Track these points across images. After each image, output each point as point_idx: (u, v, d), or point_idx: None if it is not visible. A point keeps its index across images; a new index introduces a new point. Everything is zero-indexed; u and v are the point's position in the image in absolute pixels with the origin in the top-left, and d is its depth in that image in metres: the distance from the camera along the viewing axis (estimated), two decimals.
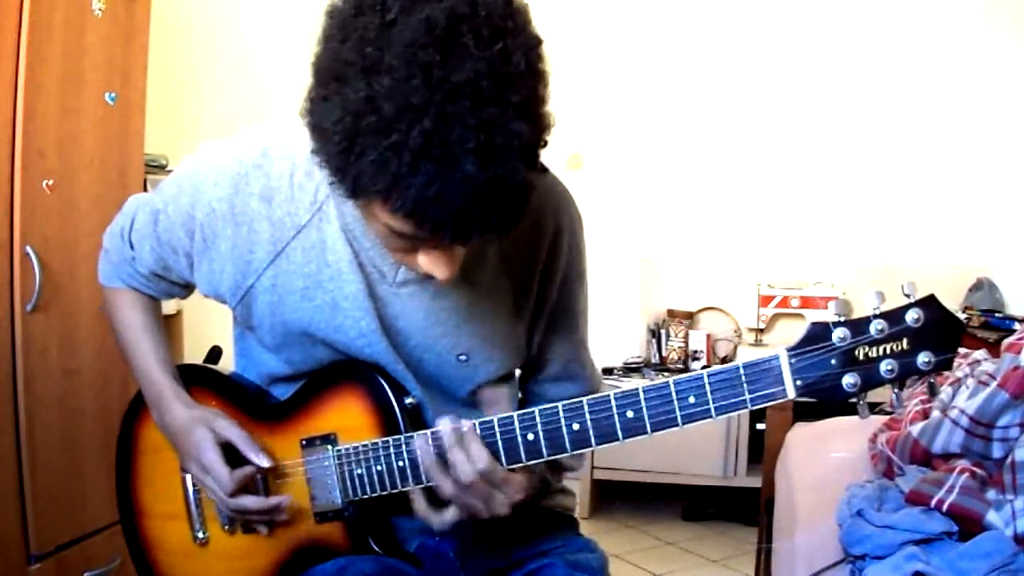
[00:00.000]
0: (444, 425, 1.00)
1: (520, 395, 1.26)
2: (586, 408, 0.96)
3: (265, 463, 1.10)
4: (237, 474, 1.10)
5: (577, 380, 1.24)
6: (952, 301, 3.40)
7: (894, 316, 0.87)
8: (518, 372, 1.24)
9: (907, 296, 0.87)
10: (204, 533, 1.21)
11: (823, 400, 0.88)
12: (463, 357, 1.12)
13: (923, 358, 0.86)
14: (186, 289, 1.24)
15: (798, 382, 0.89)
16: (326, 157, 0.85)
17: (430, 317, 1.09)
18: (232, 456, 1.12)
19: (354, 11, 0.83)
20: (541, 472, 1.11)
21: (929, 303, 0.86)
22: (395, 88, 0.78)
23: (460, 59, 0.78)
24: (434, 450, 1.01)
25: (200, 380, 1.23)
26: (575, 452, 0.98)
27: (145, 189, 2.31)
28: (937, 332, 0.86)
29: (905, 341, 0.86)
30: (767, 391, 0.89)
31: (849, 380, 0.88)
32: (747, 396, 0.90)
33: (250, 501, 1.12)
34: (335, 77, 0.82)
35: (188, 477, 1.21)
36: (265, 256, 1.08)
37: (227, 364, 1.29)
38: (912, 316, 0.86)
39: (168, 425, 1.17)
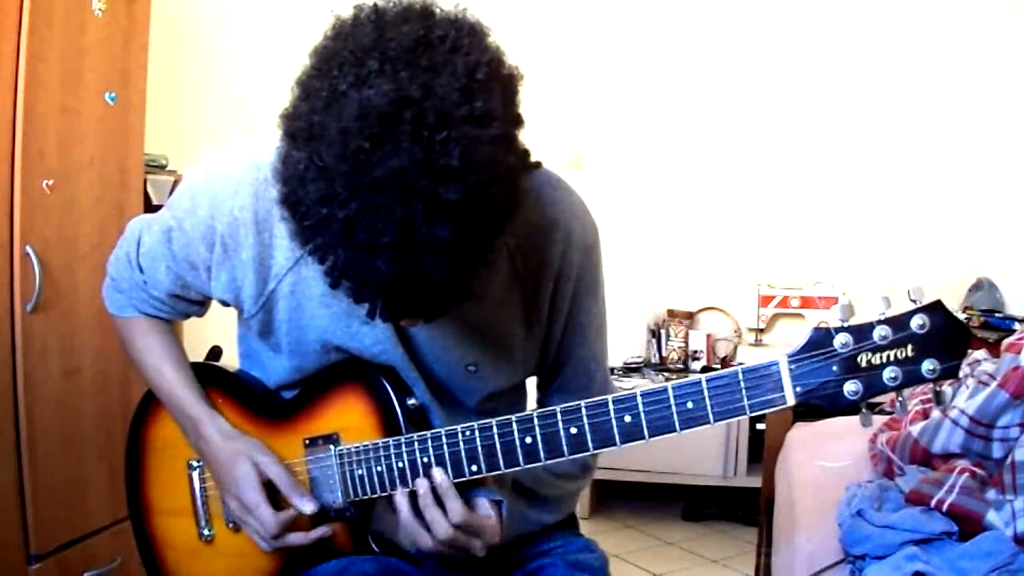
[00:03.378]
0: (421, 484, 1.02)
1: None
2: (584, 412, 0.96)
3: (309, 508, 1.09)
4: (282, 517, 1.09)
5: (584, 394, 1.23)
6: (952, 301, 3.40)
7: (899, 322, 0.85)
8: (532, 380, 1.25)
9: (913, 301, 0.85)
10: (210, 531, 1.21)
11: (824, 407, 0.87)
12: (472, 368, 1.12)
13: (928, 366, 0.84)
14: (203, 306, 1.22)
15: (798, 388, 0.87)
16: (280, 205, 0.85)
17: (440, 327, 1.09)
18: (272, 492, 1.11)
19: (315, 71, 0.82)
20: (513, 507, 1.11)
21: (935, 309, 0.84)
22: (326, 170, 0.78)
23: (391, 151, 0.76)
24: (410, 508, 1.03)
25: (207, 378, 1.22)
26: (572, 456, 0.98)
27: (145, 189, 2.31)
28: (943, 339, 0.84)
29: (910, 348, 0.84)
30: (766, 397, 0.88)
31: (851, 387, 0.86)
32: (746, 402, 0.89)
33: (294, 539, 1.10)
34: (289, 133, 0.83)
35: (195, 475, 1.21)
36: (285, 262, 1.07)
37: (227, 364, 1.29)
38: (917, 322, 0.84)
39: (205, 454, 1.16)
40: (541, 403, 1.25)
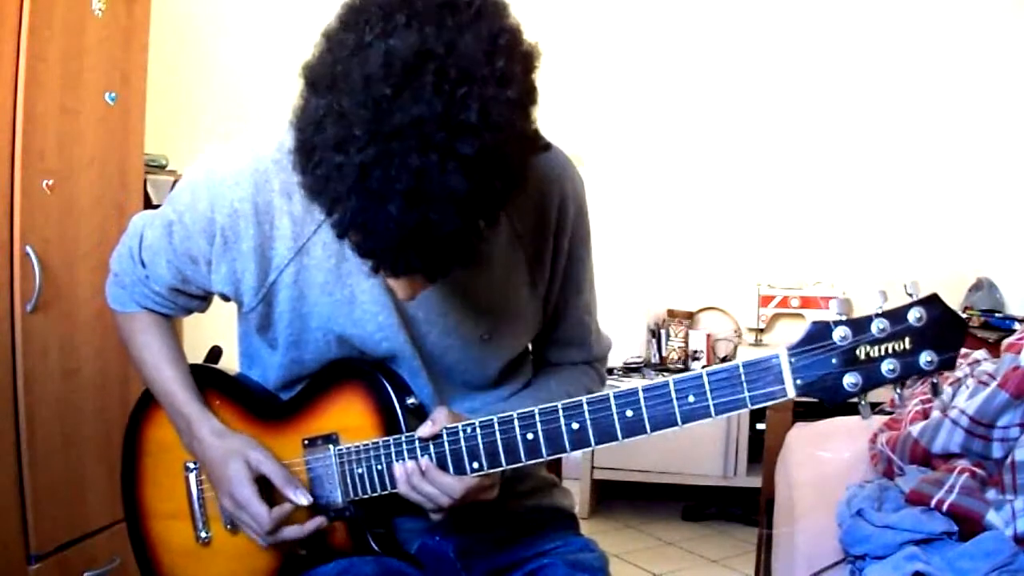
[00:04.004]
0: (399, 469, 1.03)
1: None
2: (586, 407, 0.96)
3: (303, 500, 1.09)
4: (276, 513, 1.09)
5: (579, 345, 1.25)
6: (952, 301, 3.38)
7: (896, 315, 0.86)
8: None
9: (910, 295, 0.86)
10: (207, 533, 1.21)
11: (824, 400, 0.88)
12: (486, 336, 1.13)
13: (925, 357, 0.85)
14: (204, 301, 1.23)
15: (798, 381, 0.88)
16: (293, 156, 0.86)
17: (449, 302, 1.09)
18: (265, 488, 1.11)
19: (341, 24, 0.84)
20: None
21: (932, 302, 0.86)
22: (346, 114, 0.79)
23: (412, 99, 0.78)
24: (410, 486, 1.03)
25: (206, 380, 1.23)
26: (575, 451, 0.99)
27: (145, 189, 2.31)
28: (940, 331, 0.85)
29: (907, 340, 0.85)
30: (767, 390, 0.89)
31: (850, 380, 0.87)
32: (747, 395, 0.89)
33: (289, 532, 1.10)
34: (310, 81, 0.84)
35: (192, 476, 1.21)
36: (287, 252, 1.08)
37: (227, 364, 1.29)
38: (914, 315, 0.85)
39: (198, 454, 1.16)
40: (536, 356, 1.26)
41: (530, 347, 1.25)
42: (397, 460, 1.05)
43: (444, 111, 0.78)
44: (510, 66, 0.81)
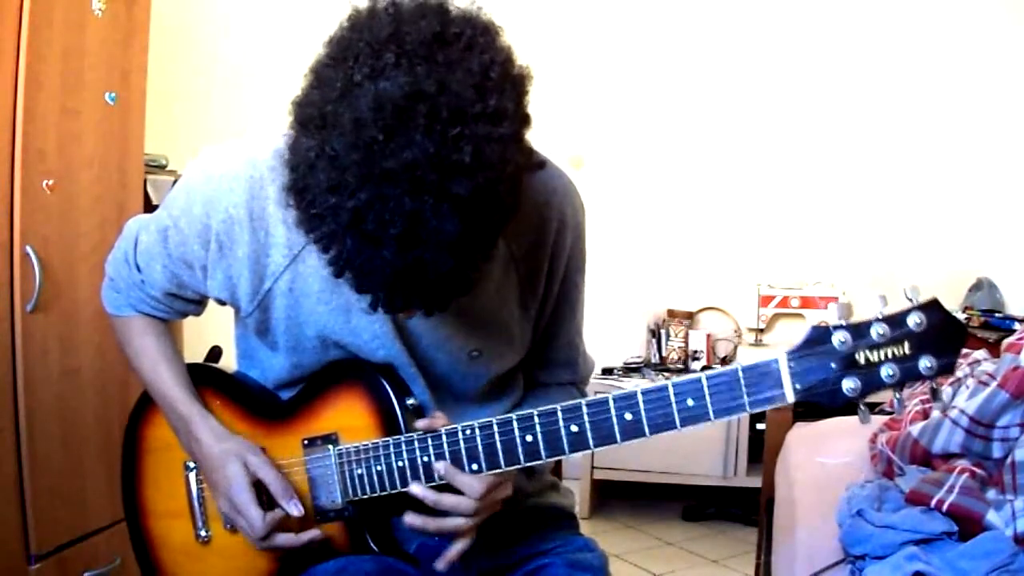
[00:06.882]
0: (417, 488, 1.02)
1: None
2: (584, 410, 0.96)
3: (295, 511, 1.08)
4: (270, 518, 1.09)
5: (568, 366, 1.26)
6: (952, 301, 3.40)
7: (896, 320, 0.86)
8: None
9: (909, 299, 0.86)
10: (207, 532, 1.21)
11: (823, 404, 0.88)
12: (475, 353, 1.13)
13: (925, 363, 0.85)
14: (200, 305, 1.23)
15: (797, 386, 0.88)
16: (287, 194, 0.86)
17: (440, 317, 1.09)
18: (263, 492, 1.11)
19: (330, 60, 0.83)
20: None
21: (931, 307, 0.85)
22: (337, 159, 0.79)
23: (403, 143, 0.77)
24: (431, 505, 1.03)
25: (205, 379, 1.23)
26: (573, 454, 0.98)
27: (145, 189, 2.31)
28: (939, 336, 0.85)
29: (907, 345, 0.85)
30: (766, 394, 0.89)
31: (849, 384, 0.87)
32: (746, 399, 0.89)
33: (283, 540, 1.10)
34: (300, 121, 0.84)
35: (191, 476, 1.21)
36: (282, 260, 1.07)
37: (226, 364, 1.29)
38: (914, 320, 0.85)
39: (197, 454, 1.16)
40: (525, 375, 1.26)
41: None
42: (397, 460, 1.05)
43: (436, 152, 0.77)
44: (502, 101, 0.81)
